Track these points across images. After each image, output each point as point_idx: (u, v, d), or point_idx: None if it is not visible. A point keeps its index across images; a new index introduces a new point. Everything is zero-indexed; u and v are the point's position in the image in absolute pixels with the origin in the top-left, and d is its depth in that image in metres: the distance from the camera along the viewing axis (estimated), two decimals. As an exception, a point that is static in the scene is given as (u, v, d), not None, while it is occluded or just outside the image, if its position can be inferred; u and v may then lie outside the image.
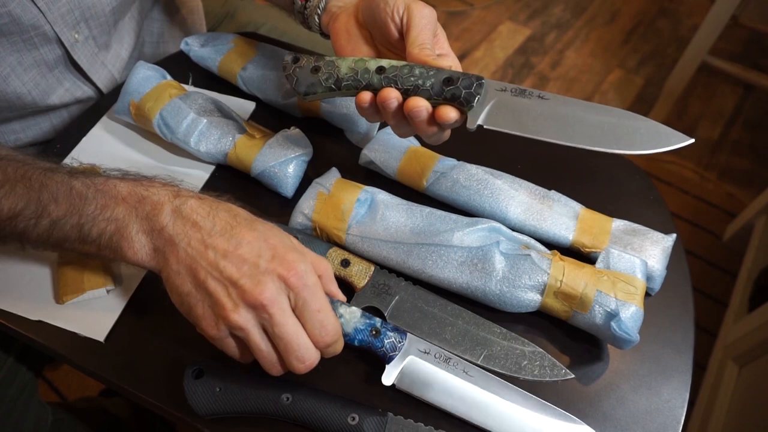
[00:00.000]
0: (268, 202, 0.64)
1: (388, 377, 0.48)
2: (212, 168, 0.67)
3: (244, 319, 0.41)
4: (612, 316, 0.51)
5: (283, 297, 0.41)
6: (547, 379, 0.52)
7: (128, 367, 0.52)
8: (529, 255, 0.54)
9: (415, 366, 0.48)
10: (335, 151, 0.69)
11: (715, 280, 1.47)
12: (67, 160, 0.66)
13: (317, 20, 0.55)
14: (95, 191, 0.45)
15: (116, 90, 0.73)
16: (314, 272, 0.43)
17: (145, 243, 0.44)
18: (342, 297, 0.48)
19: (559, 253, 0.56)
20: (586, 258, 0.58)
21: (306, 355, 0.42)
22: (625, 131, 0.42)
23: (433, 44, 0.48)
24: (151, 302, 0.56)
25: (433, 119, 0.46)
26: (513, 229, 0.59)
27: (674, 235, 0.59)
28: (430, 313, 0.55)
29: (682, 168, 1.72)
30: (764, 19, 1.98)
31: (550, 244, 0.60)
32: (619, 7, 2.24)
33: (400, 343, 0.48)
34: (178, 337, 0.54)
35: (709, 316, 1.38)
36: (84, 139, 0.68)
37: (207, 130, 0.64)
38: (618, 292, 0.53)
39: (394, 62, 0.46)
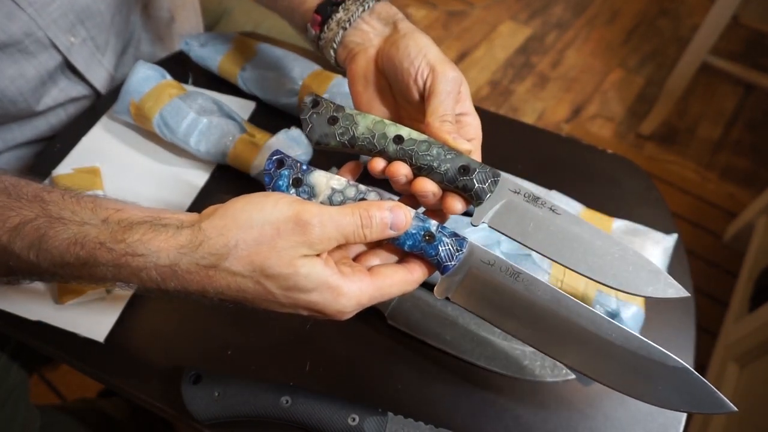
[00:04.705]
0: (268, 202, 0.63)
1: (441, 290, 0.41)
2: (212, 168, 0.67)
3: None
4: (613, 316, 0.51)
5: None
6: (548, 379, 0.52)
7: (127, 367, 0.52)
8: (530, 255, 0.54)
9: (475, 279, 0.41)
10: (335, 151, 0.69)
11: (715, 280, 1.47)
12: (68, 161, 0.66)
13: (332, 54, 0.51)
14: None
15: (115, 90, 0.73)
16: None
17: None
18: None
19: (559, 254, 0.56)
20: (587, 258, 0.58)
21: (403, 285, 0.40)
22: (625, 269, 0.40)
23: (454, 117, 0.45)
24: (151, 303, 0.56)
25: (438, 202, 0.44)
26: (513, 229, 0.59)
27: (675, 235, 0.59)
28: (431, 313, 0.54)
29: (682, 168, 1.72)
30: (765, 19, 1.98)
31: (551, 245, 0.60)
32: (620, 7, 2.24)
33: (458, 251, 0.40)
34: (177, 337, 0.54)
35: (709, 317, 1.38)
36: (84, 138, 0.68)
37: (207, 130, 0.64)
38: (619, 292, 0.52)
39: (414, 134, 0.44)
